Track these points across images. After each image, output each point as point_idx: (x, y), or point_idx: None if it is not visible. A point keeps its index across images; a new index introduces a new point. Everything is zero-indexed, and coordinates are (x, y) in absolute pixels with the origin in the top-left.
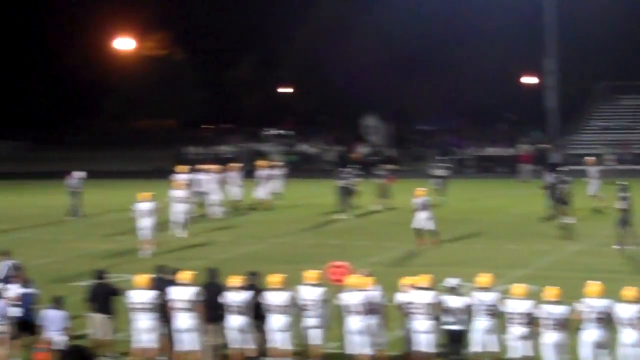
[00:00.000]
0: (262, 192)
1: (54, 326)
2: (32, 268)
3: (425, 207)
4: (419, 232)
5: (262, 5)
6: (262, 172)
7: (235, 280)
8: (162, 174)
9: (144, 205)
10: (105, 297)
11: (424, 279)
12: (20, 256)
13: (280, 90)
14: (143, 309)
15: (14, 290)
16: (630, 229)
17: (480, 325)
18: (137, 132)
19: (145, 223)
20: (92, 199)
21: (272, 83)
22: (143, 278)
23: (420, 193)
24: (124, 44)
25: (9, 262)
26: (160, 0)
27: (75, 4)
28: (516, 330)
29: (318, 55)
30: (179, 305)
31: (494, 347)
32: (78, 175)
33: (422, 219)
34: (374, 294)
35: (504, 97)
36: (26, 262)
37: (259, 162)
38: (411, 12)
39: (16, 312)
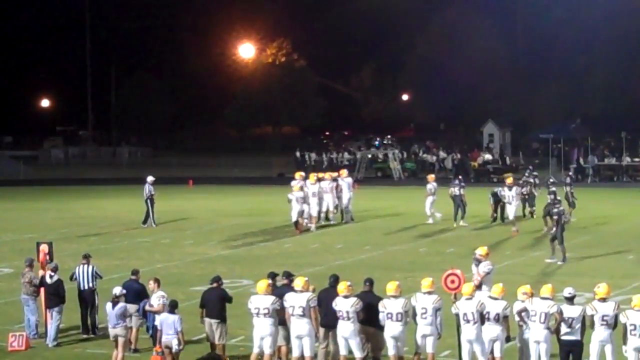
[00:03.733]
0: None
1: (169, 330)
2: (152, 272)
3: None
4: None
5: (383, 12)
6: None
7: (343, 288)
8: (283, 180)
9: (313, 188)
10: (216, 303)
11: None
12: (140, 260)
13: (401, 97)
14: (263, 314)
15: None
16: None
17: (597, 335)
18: (256, 139)
19: (313, 202)
20: (211, 205)
21: (392, 90)
22: (263, 283)
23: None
24: (245, 51)
25: (90, 267)
26: (281, 7)
27: (199, 14)
28: (636, 341)
29: (438, 63)
30: (294, 311)
31: (609, 358)
32: (150, 180)
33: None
34: (495, 303)
35: (627, 106)
36: (146, 266)
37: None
38: (533, 20)
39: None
